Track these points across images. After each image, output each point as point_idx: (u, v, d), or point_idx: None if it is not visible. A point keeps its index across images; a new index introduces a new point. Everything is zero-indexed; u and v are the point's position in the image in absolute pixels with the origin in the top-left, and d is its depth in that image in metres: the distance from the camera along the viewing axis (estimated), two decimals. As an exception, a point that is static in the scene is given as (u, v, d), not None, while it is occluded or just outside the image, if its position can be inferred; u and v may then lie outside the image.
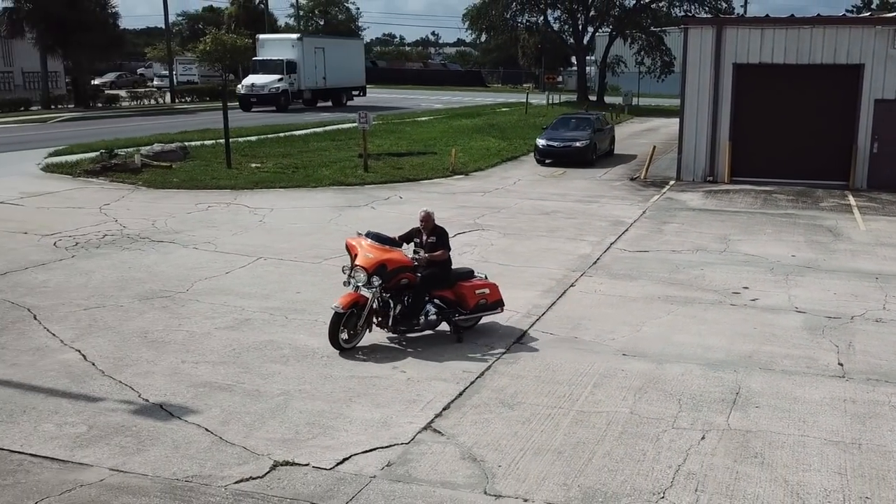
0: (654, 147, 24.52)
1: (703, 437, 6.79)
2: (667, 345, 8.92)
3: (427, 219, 9.03)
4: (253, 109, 42.79)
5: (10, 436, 6.66)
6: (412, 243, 9.11)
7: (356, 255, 8.57)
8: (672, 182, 20.67)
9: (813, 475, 6.24)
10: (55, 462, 6.26)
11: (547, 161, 23.54)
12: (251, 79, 44.33)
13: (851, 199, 18.36)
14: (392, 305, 8.63)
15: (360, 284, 8.41)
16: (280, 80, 43.67)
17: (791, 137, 20.04)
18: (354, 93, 51.41)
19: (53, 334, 8.95)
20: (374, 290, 8.40)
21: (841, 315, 10.05)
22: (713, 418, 7.15)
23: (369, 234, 8.84)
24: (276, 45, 46.08)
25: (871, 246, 13.97)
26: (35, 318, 9.45)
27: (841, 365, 8.46)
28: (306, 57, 45.19)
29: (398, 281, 8.58)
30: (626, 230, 15.00)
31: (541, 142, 24.10)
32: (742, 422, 7.10)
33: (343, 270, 8.79)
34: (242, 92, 43.64)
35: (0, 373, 7.89)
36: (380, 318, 8.71)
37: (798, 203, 17.96)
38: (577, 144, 23.45)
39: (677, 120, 21.62)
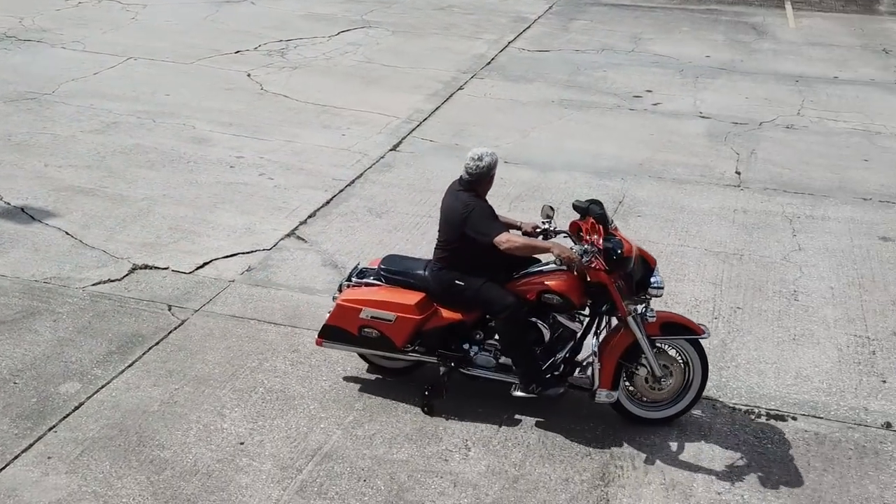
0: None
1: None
2: (555, 152, 8.69)
3: None
4: None
5: None
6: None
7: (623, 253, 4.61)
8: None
9: (687, 285, 6.14)
10: None
11: None
12: None
13: (785, -8, 16.89)
14: None
15: None
16: None
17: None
18: None
19: None
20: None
21: (748, 121, 9.66)
22: (587, 224, 7.11)
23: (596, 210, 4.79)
24: None
25: (797, 45, 13.20)
26: None
27: (738, 174, 8.16)
28: None
29: None
30: (528, 27, 14.10)
31: None
32: (621, 230, 7.05)
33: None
34: None
35: None
36: None
37: (725, -3, 16.43)
38: None
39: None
